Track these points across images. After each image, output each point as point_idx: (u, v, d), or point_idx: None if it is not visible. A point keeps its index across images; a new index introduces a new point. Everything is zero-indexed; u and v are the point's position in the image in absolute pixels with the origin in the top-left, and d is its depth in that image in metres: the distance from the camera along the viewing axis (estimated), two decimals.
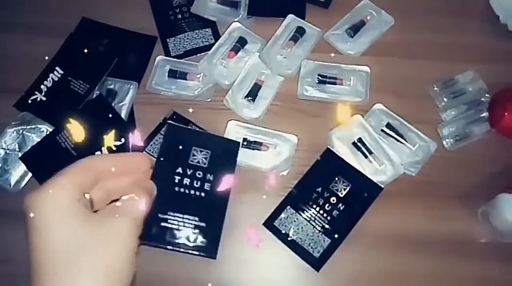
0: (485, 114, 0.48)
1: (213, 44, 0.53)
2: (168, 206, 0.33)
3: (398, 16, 0.53)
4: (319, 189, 0.45)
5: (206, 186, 0.35)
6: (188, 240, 0.33)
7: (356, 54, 0.52)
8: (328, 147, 0.47)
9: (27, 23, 0.55)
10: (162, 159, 0.34)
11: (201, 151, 0.36)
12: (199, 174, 0.35)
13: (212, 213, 0.34)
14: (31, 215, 0.25)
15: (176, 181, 0.34)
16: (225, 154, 0.37)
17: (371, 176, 0.46)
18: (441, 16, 0.53)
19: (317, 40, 0.52)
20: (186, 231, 0.33)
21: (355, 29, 0.52)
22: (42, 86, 0.51)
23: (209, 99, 0.50)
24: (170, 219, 0.33)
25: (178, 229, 0.33)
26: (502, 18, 0.52)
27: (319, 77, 0.50)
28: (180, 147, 0.36)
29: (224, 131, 0.48)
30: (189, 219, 0.33)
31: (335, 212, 0.45)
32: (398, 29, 0.53)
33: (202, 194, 0.35)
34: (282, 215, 0.45)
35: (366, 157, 0.46)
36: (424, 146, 0.47)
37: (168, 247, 0.33)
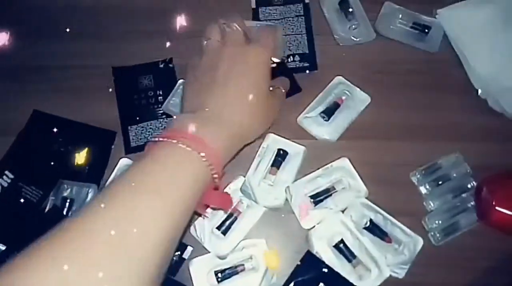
0: (472, 203, 0.45)
1: None
2: None
3: (373, 93, 0.50)
4: None
5: None
6: None
7: (332, 139, 0.49)
8: (309, 249, 0.44)
9: None
10: None
11: None
12: None
13: None
14: None
15: None
16: None
17: (355, 282, 0.42)
18: (418, 92, 0.50)
19: (303, 158, 0.47)
20: None
21: (329, 112, 0.49)
22: None
23: None
24: None
25: None
26: (481, 92, 0.50)
27: (313, 200, 0.45)
28: None
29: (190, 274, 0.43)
30: None
31: None
32: (373, 109, 0.50)
33: None
34: None
35: (349, 261, 0.43)
36: (409, 242, 0.43)
37: None
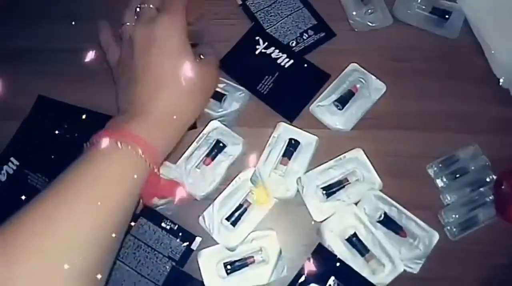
0: (490, 198, 0.43)
1: None
2: None
3: (389, 81, 0.48)
4: None
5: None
6: None
7: (346, 129, 0.47)
8: (320, 242, 0.43)
9: None
10: None
11: None
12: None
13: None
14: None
15: None
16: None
17: (368, 276, 0.41)
18: (436, 81, 0.48)
19: (315, 149, 0.45)
20: None
21: (343, 101, 0.47)
22: None
23: (170, 213, 0.45)
24: None
25: None
26: (503, 82, 0.47)
27: (325, 191, 0.44)
28: None
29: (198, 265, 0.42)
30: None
31: None
32: (389, 97, 0.48)
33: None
34: None
35: (362, 255, 0.42)
36: (425, 236, 0.42)
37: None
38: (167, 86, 0.36)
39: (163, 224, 0.44)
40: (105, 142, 0.33)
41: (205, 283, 0.42)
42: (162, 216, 0.44)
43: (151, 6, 0.38)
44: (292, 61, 0.49)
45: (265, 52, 0.49)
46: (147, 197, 0.37)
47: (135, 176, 0.33)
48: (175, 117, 0.36)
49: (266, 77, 0.48)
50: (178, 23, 0.37)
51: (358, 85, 0.48)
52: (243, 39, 0.50)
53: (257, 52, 0.50)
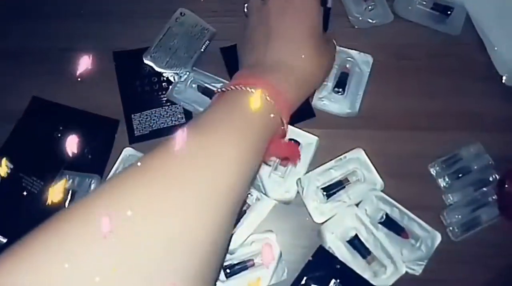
0: (493, 197, 0.43)
1: (183, 125, 0.46)
2: None
3: (391, 79, 0.47)
4: None
5: None
6: None
7: (354, 111, 0.46)
8: (321, 244, 0.42)
9: None
10: None
11: None
12: None
13: None
14: None
15: None
16: None
17: (370, 278, 0.40)
18: (437, 78, 0.47)
19: (315, 149, 0.44)
20: None
21: (342, 84, 0.47)
22: None
23: None
24: None
25: None
26: (506, 79, 0.47)
27: (325, 192, 0.43)
28: None
29: None
30: None
31: None
32: (390, 96, 0.47)
33: None
34: None
35: (364, 257, 0.41)
36: (427, 237, 0.41)
37: None
38: (301, 45, 0.38)
39: None
40: (244, 91, 0.33)
41: None
42: None
43: None
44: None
45: None
46: (268, 155, 0.35)
47: (271, 130, 0.33)
48: (310, 78, 0.39)
49: None
50: (314, 2, 0.40)
51: (347, 65, 0.48)
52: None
53: None
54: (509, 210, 0.42)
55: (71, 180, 0.44)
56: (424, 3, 0.50)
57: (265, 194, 0.43)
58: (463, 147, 0.45)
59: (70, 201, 0.44)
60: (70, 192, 0.44)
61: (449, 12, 0.49)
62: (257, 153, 0.31)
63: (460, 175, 0.43)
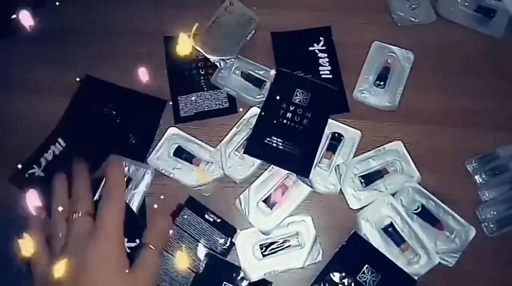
0: None
1: (227, 109, 0.48)
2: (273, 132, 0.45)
3: (433, 77, 0.49)
4: (346, 281, 0.41)
5: (305, 122, 0.46)
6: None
7: (393, 105, 0.47)
8: (355, 230, 0.43)
9: (26, 80, 0.51)
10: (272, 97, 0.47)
11: (302, 93, 0.47)
12: (299, 111, 0.46)
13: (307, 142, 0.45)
14: None
15: (281, 114, 0.46)
16: (323, 97, 0.47)
17: (403, 266, 0.41)
18: (477, 78, 0.48)
19: (358, 143, 0.46)
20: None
21: (383, 77, 0.48)
22: (41, 159, 0.46)
23: (208, 194, 0.45)
24: (273, 142, 0.45)
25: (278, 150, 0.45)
26: None
27: (363, 180, 0.44)
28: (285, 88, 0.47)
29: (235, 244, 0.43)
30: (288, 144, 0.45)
31: None
32: (430, 92, 0.48)
33: (301, 127, 0.46)
34: None
35: (398, 245, 0.42)
36: (461, 231, 0.42)
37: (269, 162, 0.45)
38: None
39: (206, 216, 0.44)
40: None
41: (241, 264, 0.43)
42: (206, 208, 0.44)
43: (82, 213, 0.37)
44: (331, 76, 0.49)
45: (316, 52, 0.51)
46: None
47: None
48: None
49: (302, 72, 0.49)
50: (114, 245, 0.36)
51: (389, 61, 0.49)
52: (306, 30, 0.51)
53: (311, 49, 0.51)
54: None
55: (127, 167, 0.46)
56: (467, 4, 0.51)
57: (311, 186, 0.44)
58: (501, 145, 0.45)
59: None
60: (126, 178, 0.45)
61: (492, 15, 0.50)
62: None
63: (497, 172, 0.44)
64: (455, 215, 0.43)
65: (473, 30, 0.50)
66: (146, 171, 0.45)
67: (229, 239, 0.43)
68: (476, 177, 0.45)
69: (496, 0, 0.51)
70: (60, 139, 0.47)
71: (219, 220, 0.44)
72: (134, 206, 0.44)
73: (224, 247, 0.43)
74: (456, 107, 0.48)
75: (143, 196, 0.45)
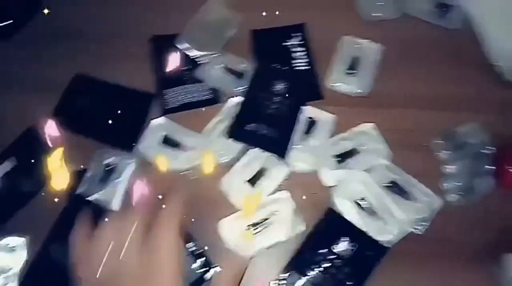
0: (490, 168, 0.47)
1: (211, 100, 0.52)
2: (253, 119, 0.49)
3: (396, 65, 0.53)
4: (323, 251, 0.44)
5: (282, 109, 0.50)
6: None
7: (364, 91, 0.52)
8: (330, 207, 0.46)
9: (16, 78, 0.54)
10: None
11: (280, 83, 0.52)
12: (277, 99, 0.50)
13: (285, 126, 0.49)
14: None
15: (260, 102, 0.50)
16: (299, 87, 0.52)
17: (376, 236, 0.44)
18: (439, 65, 0.53)
19: (333, 126, 0.50)
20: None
21: (353, 66, 0.53)
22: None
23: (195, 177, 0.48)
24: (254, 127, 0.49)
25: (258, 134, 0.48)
26: (498, 67, 0.52)
27: (336, 159, 0.48)
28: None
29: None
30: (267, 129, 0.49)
31: (340, 275, 0.43)
32: (397, 79, 0.53)
33: (279, 113, 0.50)
34: (288, 280, 0.44)
35: (370, 215, 0.45)
36: (429, 201, 0.46)
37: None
38: None
39: (188, 245, 0.44)
40: None
41: (230, 247, 0.44)
42: (191, 237, 0.45)
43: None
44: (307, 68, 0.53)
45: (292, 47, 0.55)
46: None
47: None
48: None
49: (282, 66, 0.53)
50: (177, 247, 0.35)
51: (357, 52, 0.54)
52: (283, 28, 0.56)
53: (287, 44, 0.55)
54: (504, 180, 0.46)
55: (110, 159, 0.49)
56: (428, 1, 0.56)
57: (288, 167, 0.48)
58: (460, 125, 0.50)
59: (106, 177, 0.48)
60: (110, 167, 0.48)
61: (449, 10, 0.55)
62: None
63: (459, 148, 0.48)
64: (423, 187, 0.46)
65: (434, 24, 0.56)
66: (130, 161, 0.48)
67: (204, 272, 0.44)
68: (441, 153, 0.49)
69: None
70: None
71: (200, 251, 0.44)
72: (118, 195, 0.47)
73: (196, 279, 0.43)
74: (421, 92, 0.52)
75: (126, 185, 0.47)
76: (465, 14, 0.55)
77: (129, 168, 0.48)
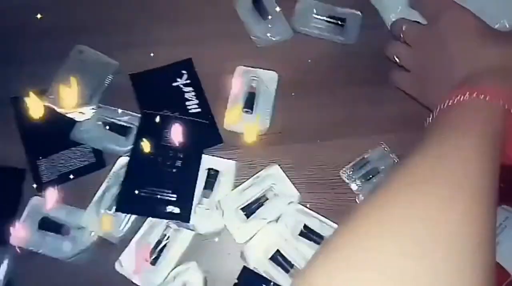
0: None
1: (94, 164, 0.45)
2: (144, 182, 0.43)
3: (295, 94, 0.49)
4: None
5: (178, 163, 0.44)
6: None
7: (264, 126, 0.47)
8: (244, 265, 0.42)
9: None
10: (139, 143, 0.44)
11: (171, 133, 0.45)
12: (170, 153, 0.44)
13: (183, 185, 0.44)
14: None
15: (151, 160, 0.44)
16: (193, 133, 0.46)
17: None
18: (339, 88, 0.50)
19: (235, 173, 0.45)
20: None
21: (249, 104, 0.48)
22: None
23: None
24: (146, 192, 0.43)
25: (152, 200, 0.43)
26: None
27: (244, 212, 0.43)
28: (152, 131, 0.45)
29: None
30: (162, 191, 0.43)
31: None
32: (297, 110, 0.48)
33: (174, 170, 0.44)
34: None
35: (287, 271, 0.41)
36: None
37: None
38: (491, 44, 0.37)
39: None
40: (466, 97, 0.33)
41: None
42: None
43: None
44: (199, 110, 0.48)
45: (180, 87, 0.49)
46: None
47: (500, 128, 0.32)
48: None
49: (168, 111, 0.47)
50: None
51: (253, 84, 0.49)
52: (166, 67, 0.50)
53: (174, 84, 0.49)
54: None
55: None
56: (319, 16, 0.52)
57: (194, 230, 0.43)
58: (369, 149, 0.47)
59: None
60: None
61: (343, 23, 0.52)
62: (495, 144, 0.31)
63: (370, 177, 0.45)
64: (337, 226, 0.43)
65: (329, 40, 0.52)
66: (4, 255, 0.41)
67: None
68: (352, 185, 0.46)
69: (346, 7, 0.53)
70: None
71: None
72: None
73: None
74: (327, 119, 0.48)
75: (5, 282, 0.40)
76: (361, 26, 0.52)
77: (3, 266, 0.41)
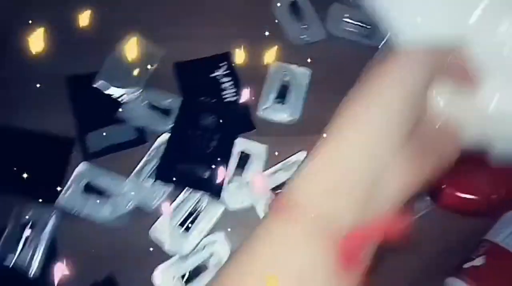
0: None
1: (136, 140, 0.49)
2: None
3: (324, 93, 0.52)
4: None
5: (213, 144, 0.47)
6: None
7: (294, 118, 0.51)
8: None
9: None
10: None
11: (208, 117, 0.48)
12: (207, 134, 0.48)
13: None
14: None
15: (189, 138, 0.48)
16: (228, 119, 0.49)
17: None
18: None
19: (266, 157, 0.48)
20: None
21: (282, 95, 0.51)
22: None
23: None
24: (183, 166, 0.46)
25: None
26: None
27: (274, 191, 0.46)
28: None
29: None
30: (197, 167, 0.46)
31: None
32: (328, 104, 0.51)
33: (209, 150, 0.47)
34: None
35: None
36: None
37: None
38: None
39: None
40: None
41: None
42: None
43: None
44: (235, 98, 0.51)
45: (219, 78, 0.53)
46: None
47: None
48: None
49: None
50: None
51: (286, 79, 0.53)
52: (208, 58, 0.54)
53: (213, 74, 0.53)
54: (438, 198, 0.46)
55: (28, 215, 0.45)
56: (351, 20, 0.56)
57: (224, 205, 0.46)
58: None
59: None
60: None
61: (372, 27, 0.55)
62: None
63: None
64: None
65: (359, 43, 0.55)
66: (51, 214, 0.45)
67: None
68: None
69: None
70: None
71: None
72: (40, 252, 0.43)
73: None
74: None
75: (49, 241, 0.44)
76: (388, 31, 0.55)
77: (50, 223, 0.44)
